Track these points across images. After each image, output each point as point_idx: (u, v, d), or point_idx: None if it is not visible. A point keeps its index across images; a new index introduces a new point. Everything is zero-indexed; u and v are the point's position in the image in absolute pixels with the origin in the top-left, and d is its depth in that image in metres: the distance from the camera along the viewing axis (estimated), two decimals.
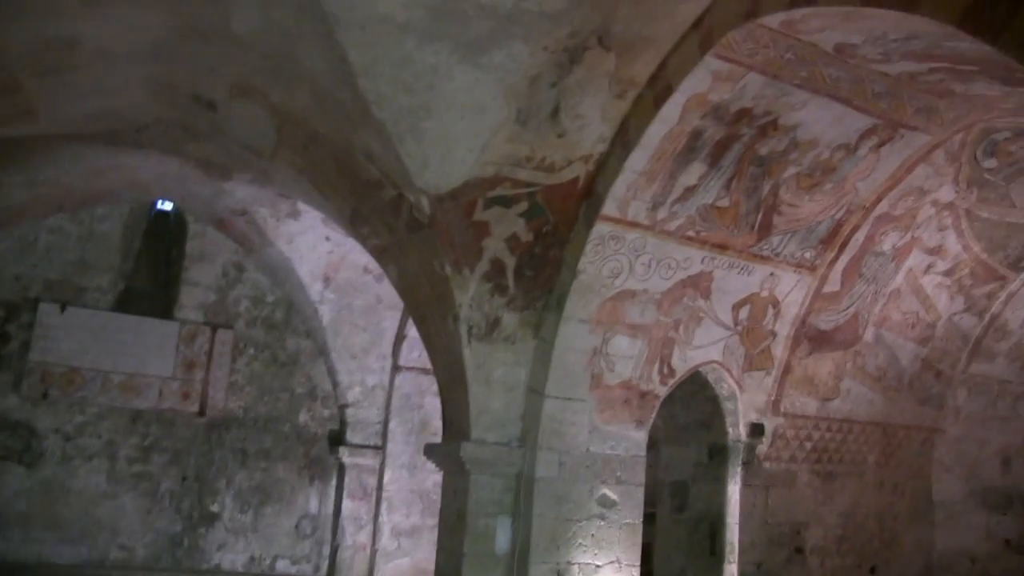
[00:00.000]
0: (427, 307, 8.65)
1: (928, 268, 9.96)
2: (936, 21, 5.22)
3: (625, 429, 8.86)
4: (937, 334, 10.52)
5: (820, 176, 8.57)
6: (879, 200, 9.02)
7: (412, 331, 13.26)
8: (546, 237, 8.37)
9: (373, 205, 8.58)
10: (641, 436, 8.96)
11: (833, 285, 9.61)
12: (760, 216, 8.77)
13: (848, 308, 9.88)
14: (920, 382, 10.84)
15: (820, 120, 7.90)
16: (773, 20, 6.53)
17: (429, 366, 9.99)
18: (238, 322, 14.18)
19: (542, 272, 8.46)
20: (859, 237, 9.31)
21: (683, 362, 9.31)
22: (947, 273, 10.06)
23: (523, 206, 8.16)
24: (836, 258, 9.40)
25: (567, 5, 6.89)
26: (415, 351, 13.60)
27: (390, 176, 8.04)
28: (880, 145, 8.33)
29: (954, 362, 10.82)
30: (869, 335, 10.14)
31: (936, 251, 9.82)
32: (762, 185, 8.51)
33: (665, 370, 9.23)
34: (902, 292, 10.04)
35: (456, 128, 7.57)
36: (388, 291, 12.22)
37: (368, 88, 7.21)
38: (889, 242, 9.52)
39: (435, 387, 9.45)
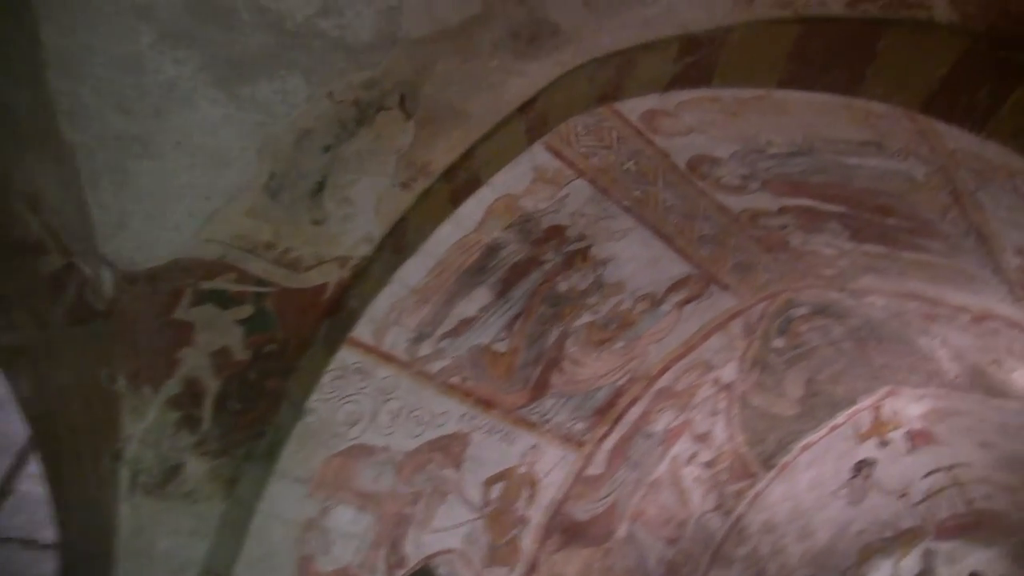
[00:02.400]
0: (72, 439, 5.59)
1: (691, 458, 8.74)
2: (888, 104, 3.87)
3: None
4: (686, 534, 9.22)
5: (615, 330, 7.08)
6: (664, 371, 7.70)
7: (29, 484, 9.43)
8: (268, 359, 5.89)
9: (20, 281, 5.51)
10: None
11: (597, 467, 7.98)
12: (539, 371, 7.01)
13: (607, 496, 8.26)
14: None
15: (635, 258, 6.49)
16: (638, 106, 5.03)
17: (44, 535, 6.65)
18: None
19: (254, 406, 5.90)
20: (635, 412, 7.88)
21: (416, 548, 7.00)
22: (708, 465, 8.92)
23: (246, 310, 5.69)
24: (607, 434, 7.83)
25: (375, 40, 4.94)
26: (22, 513, 9.71)
27: (60, 236, 5.20)
28: (686, 302, 7.08)
29: (695, 567, 9.52)
30: (623, 530, 8.55)
31: (703, 438, 8.66)
32: (550, 331, 6.81)
33: (393, 558, 6.85)
34: (662, 483, 8.68)
35: (180, 179, 5.09)
36: None
37: (61, 90, 4.57)
38: (663, 422, 8.18)
39: None
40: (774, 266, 6.75)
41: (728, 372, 8.14)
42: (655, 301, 6.97)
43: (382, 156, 5.61)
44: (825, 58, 3.93)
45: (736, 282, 6.96)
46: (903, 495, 10.42)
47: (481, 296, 6.31)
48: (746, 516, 9.52)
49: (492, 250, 6.03)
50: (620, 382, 7.55)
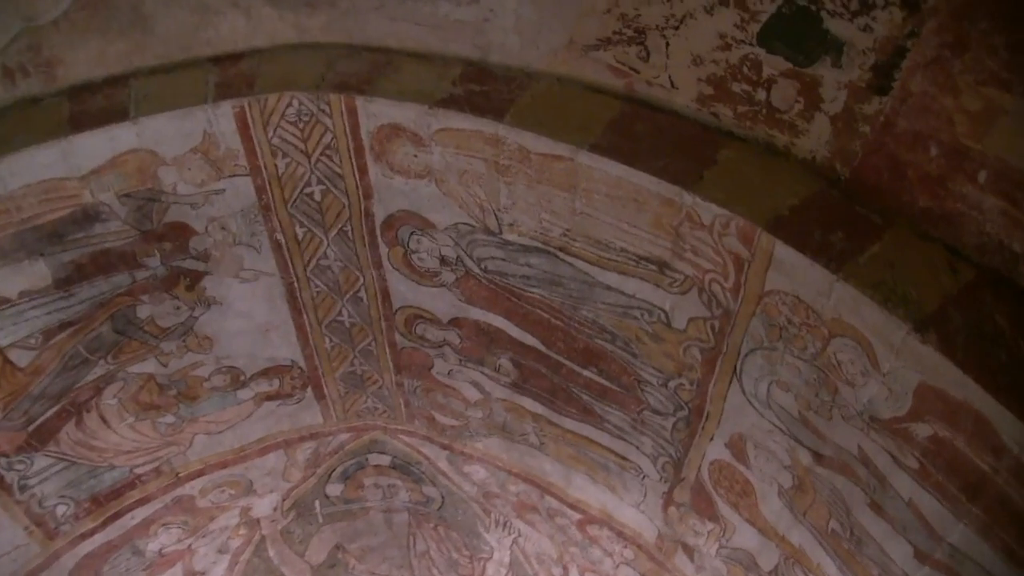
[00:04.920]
0: None
1: None
2: (729, 212, 3.47)
3: None
4: None
5: (172, 399, 5.51)
6: (198, 475, 6.14)
7: None
8: None
9: None
10: None
11: (55, 575, 5.87)
12: (53, 412, 5.11)
13: None
14: None
15: (248, 316, 5.31)
16: (386, 114, 4.14)
17: None
18: None
19: None
20: (139, 516, 6.08)
21: None
22: None
23: None
24: (91, 534, 5.88)
25: None
26: None
27: None
28: (270, 398, 5.80)
29: None
30: None
31: None
32: (95, 364, 5.09)
33: None
34: None
35: None
36: None
37: None
38: (163, 541, 6.44)
39: None
40: (389, 393, 5.84)
41: (263, 505, 6.76)
42: (237, 381, 5.60)
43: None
44: (654, 142, 3.46)
45: (337, 396, 5.90)
46: None
47: (35, 274, 4.47)
48: None
49: (87, 217, 4.36)
50: (142, 469, 5.81)
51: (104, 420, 5.34)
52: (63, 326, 4.74)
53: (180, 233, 4.62)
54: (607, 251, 4.08)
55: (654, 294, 4.12)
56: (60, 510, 5.58)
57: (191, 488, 6.17)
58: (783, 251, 3.33)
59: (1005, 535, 3.51)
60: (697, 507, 5.27)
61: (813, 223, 3.29)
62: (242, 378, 5.57)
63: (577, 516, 6.14)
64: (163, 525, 6.28)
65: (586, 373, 4.91)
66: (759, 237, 3.35)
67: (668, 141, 3.56)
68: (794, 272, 3.47)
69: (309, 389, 5.80)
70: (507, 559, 7.17)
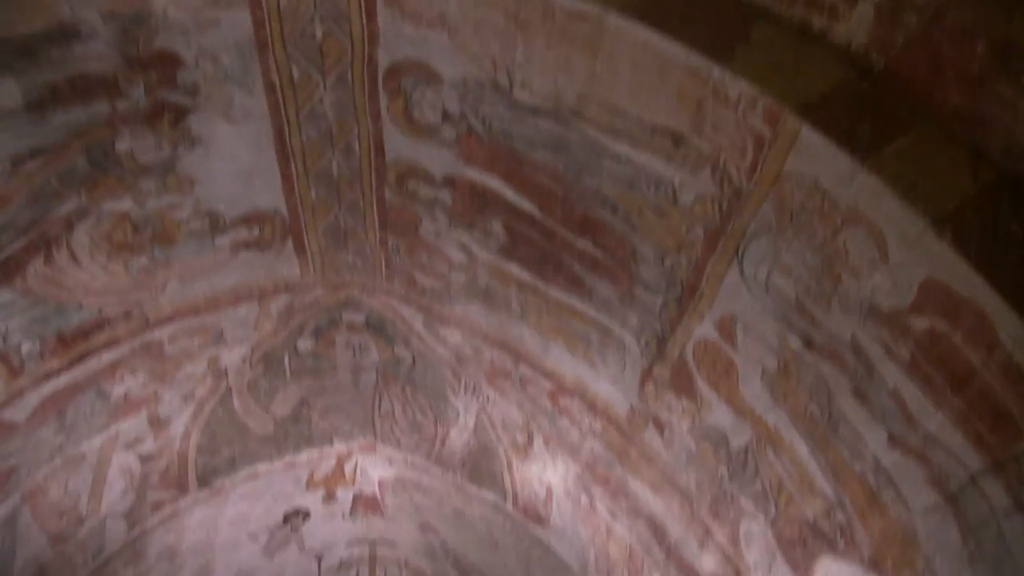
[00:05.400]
0: None
1: (133, 443, 6.88)
2: (758, 89, 3.35)
3: None
4: (78, 535, 7.12)
5: (146, 240, 5.32)
6: (168, 320, 5.99)
7: None
8: None
9: None
10: None
11: (20, 412, 5.77)
12: (20, 246, 4.88)
13: (6, 458, 5.99)
14: None
15: (233, 159, 5.06)
16: None
17: None
18: None
19: None
20: (106, 359, 5.93)
21: None
22: (145, 459, 7.11)
23: None
24: (56, 373, 5.73)
25: None
26: None
27: None
28: (248, 246, 5.60)
29: None
30: (5, 508, 6.24)
31: (159, 424, 6.90)
32: (66, 198, 4.83)
33: None
34: (84, 463, 6.65)
35: None
36: None
37: None
38: (128, 385, 6.31)
39: None
40: (371, 251, 5.70)
41: (232, 356, 6.67)
42: (216, 227, 5.39)
43: None
44: (687, 11, 3.27)
45: (317, 250, 5.73)
46: (319, 558, 9.61)
47: (3, 93, 4.14)
48: (152, 534, 7.78)
49: (65, 34, 4.01)
50: (111, 311, 5.64)
51: (74, 257, 5.11)
52: (34, 154, 4.44)
53: (168, 63, 4.30)
54: (622, 119, 3.92)
55: (665, 168, 4.00)
56: (25, 347, 5.40)
57: (160, 334, 6.02)
58: (809, 136, 3.27)
59: (980, 425, 3.63)
60: (675, 384, 5.32)
61: (842, 111, 3.23)
62: (221, 224, 5.36)
63: (550, 386, 6.18)
64: (129, 370, 6.15)
65: (580, 243, 4.82)
66: (785, 119, 3.27)
67: (702, 12, 3.40)
68: (818, 158, 3.40)
69: (289, 240, 5.62)
70: (472, 424, 7.24)
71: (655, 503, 6.31)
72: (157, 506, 7.57)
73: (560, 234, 4.76)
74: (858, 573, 4.80)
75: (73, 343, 5.63)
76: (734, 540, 5.69)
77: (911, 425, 3.95)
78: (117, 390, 6.25)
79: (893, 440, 4.12)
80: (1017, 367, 3.38)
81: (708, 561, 6.12)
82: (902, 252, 3.59)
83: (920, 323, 3.70)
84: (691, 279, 4.58)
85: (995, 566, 3.77)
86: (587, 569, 7.73)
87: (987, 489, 3.70)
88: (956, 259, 3.43)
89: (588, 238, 4.70)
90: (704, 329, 4.82)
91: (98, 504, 7.01)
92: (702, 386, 5.15)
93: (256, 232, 5.49)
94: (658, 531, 6.50)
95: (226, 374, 6.80)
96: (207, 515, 8.01)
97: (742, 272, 4.36)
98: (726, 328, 4.71)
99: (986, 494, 3.71)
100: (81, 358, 5.75)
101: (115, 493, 7.08)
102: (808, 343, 4.32)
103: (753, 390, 4.84)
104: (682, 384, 5.26)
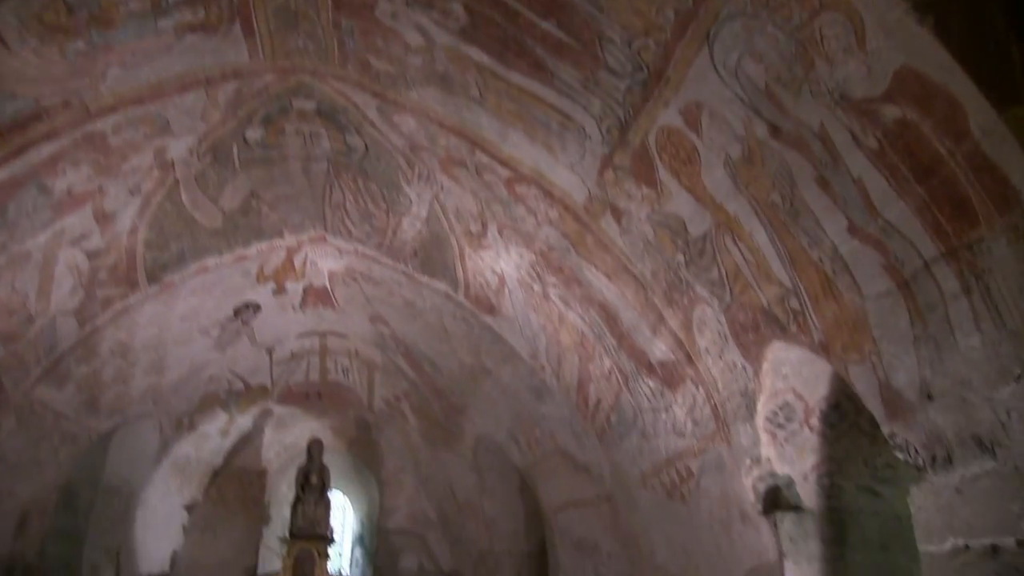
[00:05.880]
0: None
1: (80, 239, 6.70)
2: None
3: None
4: (29, 334, 7.06)
5: (82, 24, 4.90)
6: (111, 111, 5.69)
7: None
8: None
9: None
10: None
11: None
12: None
13: None
14: None
15: None
16: None
17: None
18: None
19: None
20: (45, 151, 5.67)
21: None
22: (93, 255, 6.95)
23: None
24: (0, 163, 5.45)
25: None
26: None
27: None
28: (193, 29, 5.26)
29: (22, 377, 7.39)
30: None
31: (104, 220, 6.71)
32: None
33: None
34: (30, 260, 6.48)
35: None
36: None
37: None
38: (71, 179, 6.07)
39: None
40: (323, 34, 5.41)
41: (179, 147, 6.40)
42: (157, 7, 4.99)
43: None
44: None
45: (266, 32, 5.42)
46: (270, 350, 9.77)
47: None
48: (104, 331, 7.76)
49: None
50: (49, 101, 5.30)
51: (3, 40, 4.73)
52: None
53: None
54: None
55: None
56: None
57: (103, 124, 5.70)
58: None
59: (939, 213, 3.77)
60: (636, 172, 5.34)
61: None
62: (163, 3, 4.96)
63: (507, 173, 6.14)
64: (71, 163, 5.86)
65: (544, 24, 4.65)
66: None
67: None
68: None
69: (237, 23, 5.27)
70: (424, 213, 7.20)
71: (609, 290, 6.50)
72: (107, 303, 7.50)
73: (524, 15, 4.57)
74: (807, 356, 5.09)
75: (9, 135, 5.33)
76: (687, 326, 5.93)
77: (871, 213, 4.07)
78: (59, 184, 6.00)
79: (852, 228, 4.25)
80: (983, 156, 3.47)
81: (659, 346, 6.39)
82: (879, 38, 3.56)
83: (891, 111, 3.73)
84: (658, 64, 4.51)
85: (936, 346, 4.02)
86: (537, 356, 8.03)
87: (939, 275, 3.88)
88: (935, 45, 3.42)
89: (553, 19, 4.53)
90: (668, 116, 4.79)
91: (47, 302, 6.91)
92: (663, 173, 5.18)
93: (201, 13, 5.12)
94: (611, 318, 6.73)
95: (173, 166, 6.56)
96: (158, 311, 7.99)
97: (712, 57, 4.29)
98: (691, 115, 4.69)
99: (937, 279, 3.90)
100: (18, 151, 5.46)
101: (64, 291, 6.98)
102: (774, 131, 4.34)
103: (715, 178, 4.90)
104: (642, 171, 5.29)
